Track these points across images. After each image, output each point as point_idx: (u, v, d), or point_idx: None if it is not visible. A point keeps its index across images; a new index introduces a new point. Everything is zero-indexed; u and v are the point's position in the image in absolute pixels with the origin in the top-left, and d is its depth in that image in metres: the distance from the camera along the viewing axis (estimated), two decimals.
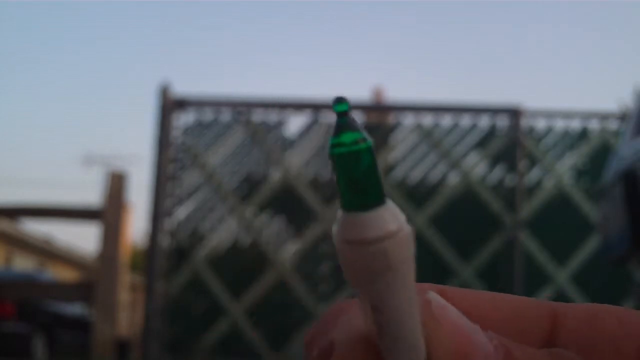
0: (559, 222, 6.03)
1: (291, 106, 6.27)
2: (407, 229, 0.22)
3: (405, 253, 0.22)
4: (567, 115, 6.23)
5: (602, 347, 0.26)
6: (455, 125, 6.17)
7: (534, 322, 0.27)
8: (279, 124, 6.23)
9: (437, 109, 6.19)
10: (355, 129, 0.22)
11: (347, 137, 0.21)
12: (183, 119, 6.19)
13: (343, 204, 0.23)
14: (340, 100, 0.22)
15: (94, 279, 6.79)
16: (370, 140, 0.22)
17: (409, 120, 6.22)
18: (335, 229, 0.23)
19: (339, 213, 0.23)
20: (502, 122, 6.16)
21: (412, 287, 0.22)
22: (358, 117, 6.24)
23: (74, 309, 11.08)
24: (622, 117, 5.97)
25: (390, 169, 6.19)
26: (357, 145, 0.21)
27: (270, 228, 6.14)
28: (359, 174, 0.22)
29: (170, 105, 6.11)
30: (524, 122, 6.13)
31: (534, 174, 6.17)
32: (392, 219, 0.22)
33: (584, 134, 6.20)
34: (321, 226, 6.00)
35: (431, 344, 0.23)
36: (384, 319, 0.23)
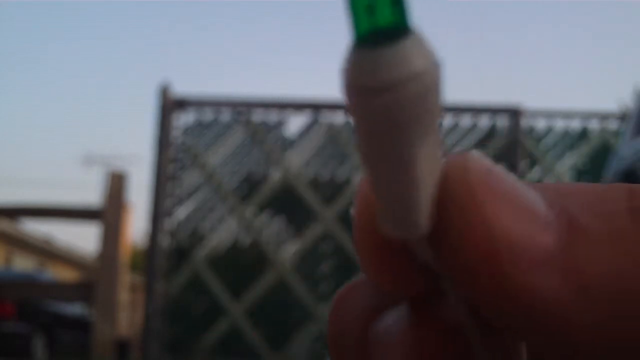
0: None
1: (291, 106, 6.27)
2: (430, 75, 0.16)
3: (423, 106, 0.16)
4: (567, 115, 6.23)
5: None
6: (455, 125, 6.17)
7: None
8: (279, 124, 6.23)
9: None
10: None
11: None
12: (183, 119, 6.20)
13: (353, 35, 0.16)
14: None
15: (94, 279, 6.79)
16: None
17: None
18: (343, 67, 0.17)
19: (349, 49, 0.17)
20: (502, 122, 6.16)
21: (433, 145, 0.17)
22: None
23: (74, 309, 11.08)
24: (622, 117, 5.97)
25: None
26: None
27: (270, 228, 6.14)
28: None
29: (170, 105, 6.11)
30: (524, 122, 6.13)
31: (534, 174, 6.17)
32: (413, 59, 0.16)
33: (584, 134, 6.20)
34: (321, 226, 6.00)
35: (454, 211, 0.17)
36: (381, 180, 0.17)
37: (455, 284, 0.18)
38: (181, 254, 6.03)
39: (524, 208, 0.17)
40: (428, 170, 0.17)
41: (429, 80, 0.16)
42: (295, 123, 6.25)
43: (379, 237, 0.18)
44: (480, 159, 0.18)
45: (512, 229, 0.17)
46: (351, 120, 0.17)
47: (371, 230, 0.18)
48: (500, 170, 0.18)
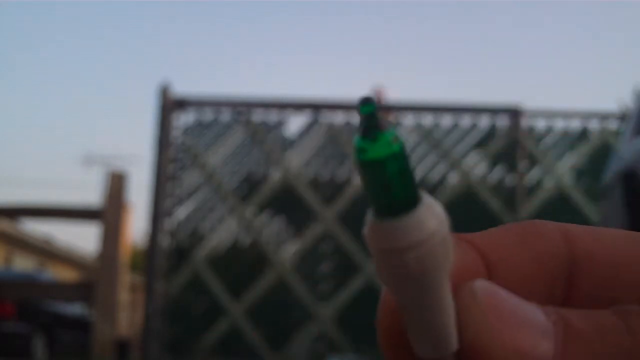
0: (559, 222, 6.02)
1: (291, 106, 6.27)
2: (442, 231, 0.21)
3: (440, 257, 0.21)
4: (567, 115, 6.23)
5: None
6: (455, 125, 6.17)
7: None
8: (279, 124, 6.23)
9: (437, 109, 6.19)
10: (384, 130, 0.20)
11: (375, 141, 0.20)
12: (183, 119, 6.20)
13: (374, 210, 0.21)
14: (366, 101, 0.20)
15: (94, 279, 6.79)
16: (401, 140, 0.20)
17: (409, 120, 6.22)
18: (367, 234, 0.21)
19: (370, 217, 0.21)
20: (502, 122, 6.16)
21: (447, 284, 0.22)
22: (358, 117, 6.24)
23: (74, 309, 11.08)
24: (622, 117, 5.97)
25: None
26: (387, 148, 0.20)
27: (270, 228, 6.14)
28: (390, 180, 0.20)
29: (170, 105, 6.11)
30: (524, 122, 6.13)
31: (534, 174, 6.17)
32: (426, 222, 0.20)
33: (584, 134, 6.20)
34: (321, 226, 6.00)
35: (471, 333, 0.22)
36: (412, 316, 0.22)
37: None
38: (181, 254, 6.03)
39: (526, 322, 0.22)
40: (450, 301, 0.22)
41: (442, 234, 0.21)
42: (295, 123, 6.26)
43: (402, 340, 0.23)
44: (486, 285, 0.22)
45: (518, 341, 0.21)
46: (380, 274, 0.21)
47: (395, 334, 0.24)
48: (503, 292, 0.22)
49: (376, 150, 0.20)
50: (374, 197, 0.20)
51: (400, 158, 0.20)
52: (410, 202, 0.20)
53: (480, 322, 0.21)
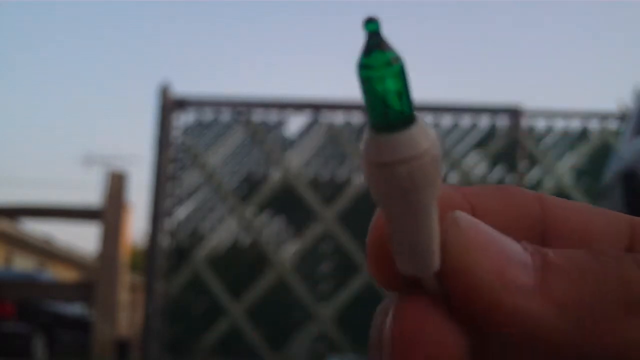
0: None
1: (291, 106, 6.27)
2: (433, 151, 0.22)
3: (430, 175, 0.22)
4: (567, 115, 6.23)
5: None
6: (455, 125, 6.17)
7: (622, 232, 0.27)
8: (279, 124, 6.23)
9: (437, 109, 6.19)
10: (386, 49, 0.21)
11: (376, 58, 0.21)
12: (183, 119, 6.20)
13: (371, 124, 0.22)
14: (371, 20, 0.21)
15: (94, 279, 6.79)
16: (402, 60, 0.21)
17: None
18: (362, 148, 0.22)
19: (366, 132, 0.22)
20: (502, 122, 6.16)
21: (435, 206, 0.23)
22: (358, 117, 6.26)
23: (74, 309, 11.08)
24: (622, 117, 5.97)
25: None
26: (387, 68, 0.21)
27: (270, 228, 6.14)
28: (388, 97, 0.21)
29: (170, 105, 6.11)
30: (524, 122, 6.14)
31: (534, 174, 6.17)
32: (419, 140, 0.22)
33: (584, 134, 6.20)
34: (321, 226, 6.00)
35: (453, 259, 0.23)
36: (398, 232, 0.23)
37: (457, 309, 0.24)
38: (181, 254, 6.03)
39: (506, 253, 0.24)
40: (436, 221, 0.23)
41: (432, 154, 0.22)
42: (295, 123, 6.26)
43: (388, 259, 0.25)
44: (470, 217, 0.24)
45: (500, 268, 0.23)
46: (372, 188, 0.22)
47: (381, 250, 0.25)
48: (484, 225, 0.24)
49: (377, 67, 0.21)
50: (371, 112, 0.22)
51: (399, 77, 0.21)
52: (405, 120, 0.21)
53: (464, 248, 0.23)
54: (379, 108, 0.21)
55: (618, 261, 0.24)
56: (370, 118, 0.22)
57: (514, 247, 0.24)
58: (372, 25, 0.21)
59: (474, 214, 0.26)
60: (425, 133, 0.22)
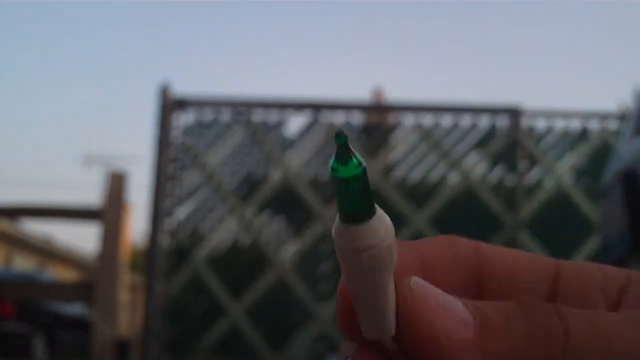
0: (559, 222, 6.03)
1: (291, 106, 6.27)
2: (389, 239, 0.27)
3: (386, 259, 0.27)
4: (567, 115, 6.23)
5: (592, 292, 0.31)
6: (455, 125, 6.17)
7: (544, 277, 0.32)
8: (279, 124, 6.23)
9: (437, 109, 6.19)
10: (352, 157, 0.26)
11: (344, 166, 0.26)
12: (183, 119, 6.20)
13: (340, 216, 0.27)
14: (340, 134, 0.26)
15: (94, 279, 6.79)
16: (364, 164, 0.26)
17: (409, 120, 6.22)
18: (334, 235, 0.28)
19: (337, 222, 0.27)
20: (502, 122, 6.16)
21: (391, 280, 0.27)
22: (358, 117, 6.26)
23: (74, 309, 11.08)
24: (622, 117, 5.97)
25: (390, 169, 6.19)
26: (352, 170, 0.25)
27: (270, 228, 6.14)
28: (353, 195, 0.26)
29: (170, 105, 6.11)
30: (524, 122, 6.14)
31: (534, 174, 6.17)
32: (378, 230, 0.26)
33: (584, 134, 6.20)
34: (321, 226, 6.00)
35: (408, 320, 0.27)
36: (361, 303, 0.28)
37: None
38: (181, 254, 6.03)
39: (451, 313, 0.27)
40: (392, 294, 0.28)
41: (389, 241, 0.27)
42: (295, 123, 6.26)
43: (353, 321, 0.30)
44: (421, 282, 0.28)
45: (445, 328, 0.27)
46: (341, 268, 0.28)
47: (348, 316, 0.30)
48: (433, 288, 0.28)
49: (345, 171, 0.26)
50: (341, 206, 0.26)
51: (362, 179, 0.26)
52: (367, 213, 0.26)
53: (415, 311, 0.27)
54: (347, 204, 0.26)
55: (541, 312, 0.28)
56: (339, 211, 0.27)
57: (457, 306, 0.28)
58: (340, 139, 0.26)
59: (424, 267, 0.31)
60: (382, 223, 0.27)
